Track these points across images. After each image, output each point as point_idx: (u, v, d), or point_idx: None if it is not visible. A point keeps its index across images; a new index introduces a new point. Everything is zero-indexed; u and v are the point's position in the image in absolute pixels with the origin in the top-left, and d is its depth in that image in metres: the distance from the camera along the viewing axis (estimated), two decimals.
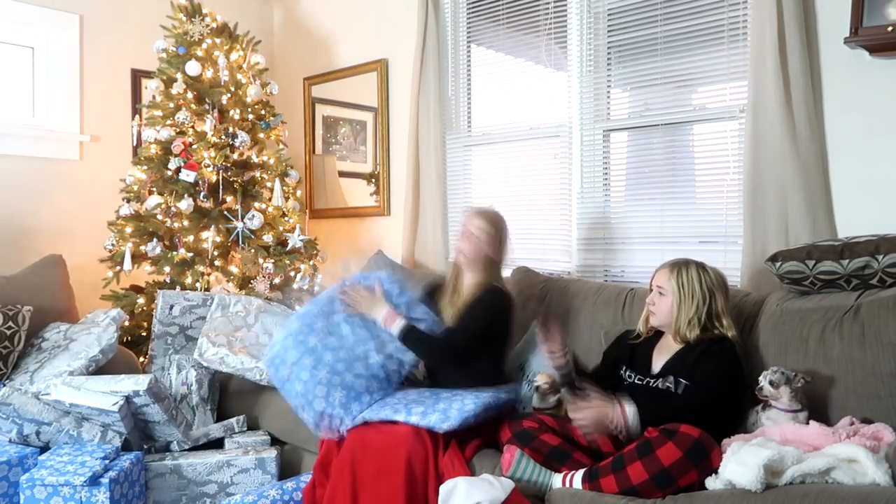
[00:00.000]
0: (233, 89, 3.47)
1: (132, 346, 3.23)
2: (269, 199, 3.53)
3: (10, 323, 2.85)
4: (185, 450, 2.67)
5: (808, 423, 1.95)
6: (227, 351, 2.86)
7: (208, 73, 3.45)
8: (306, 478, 2.43)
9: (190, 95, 3.40)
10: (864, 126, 2.43)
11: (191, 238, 3.32)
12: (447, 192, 3.57)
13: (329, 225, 4.23)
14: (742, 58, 2.67)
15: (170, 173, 3.31)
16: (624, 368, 2.29)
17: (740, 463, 1.71)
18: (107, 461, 2.36)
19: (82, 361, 2.74)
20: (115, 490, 2.29)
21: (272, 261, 3.39)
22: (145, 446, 2.64)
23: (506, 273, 3.20)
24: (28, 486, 2.25)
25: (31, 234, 3.54)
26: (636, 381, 2.22)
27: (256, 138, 3.56)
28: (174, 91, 3.39)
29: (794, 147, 2.47)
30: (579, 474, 1.92)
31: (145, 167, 3.36)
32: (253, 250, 3.36)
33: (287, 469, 2.74)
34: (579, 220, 3.16)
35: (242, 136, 3.42)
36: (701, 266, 2.21)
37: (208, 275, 3.32)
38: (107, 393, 2.45)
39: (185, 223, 3.30)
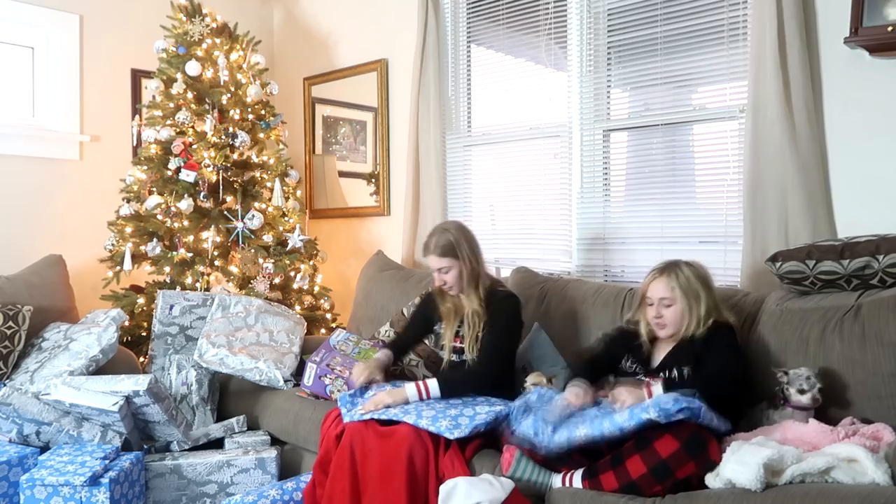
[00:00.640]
0: (233, 89, 3.47)
1: (132, 346, 3.23)
2: (269, 199, 3.53)
3: (10, 323, 2.85)
4: (185, 450, 2.67)
5: (807, 421, 1.96)
6: (226, 352, 2.86)
7: (208, 73, 3.45)
8: (306, 478, 2.43)
9: (190, 95, 3.40)
10: (864, 126, 2.43)
11: (191, 238, 3.32)
12: (447, 192, 3.57)
13: (329, 225, 4.23)
14: (742, 58, 2.67)
15: (170, 173, 3.31)
16: (626, 357, 2.29)
17: (740, 462, 1.71)
18: (107, 461, 2.35)
19: (82, 361, 2.74)
20: (115, 490, 2.29)
21: (272, 261, 3.39)
22: (145, 446, 2.64)
23: (505, 273, 3.23)
24: (28, 486, 2.25)
25: (31, 234, 3.54)
26: (638, 370, 2.23)
27: (256, 138, 3.56)
28: (174, 91, 3.39)
29: (794, 147, 2.47)
30: (579, 473, 1.92)
31: (145, 167, 3.36)
32: (253, 250, 3.37)
33: (287, 469, 2.74)
34: (579, 220, 3.16)
35: (242, 136, 3.42)
36: (686, 263, 2.21)
37: (208, 275, 3.32)
38: (107, 393, 2.45)
39: (185, 223, 3.30)
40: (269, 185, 3.55)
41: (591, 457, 2.03)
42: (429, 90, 3.52)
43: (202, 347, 2.88)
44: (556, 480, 1.96)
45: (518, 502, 1.91)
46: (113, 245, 3.36)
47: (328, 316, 3.70)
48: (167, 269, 3.29)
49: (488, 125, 3.57)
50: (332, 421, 2.40)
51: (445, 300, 2.56)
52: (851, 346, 2.08)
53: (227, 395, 3.03)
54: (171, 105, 3.40)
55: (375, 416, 2.25)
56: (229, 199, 3.41)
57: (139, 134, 3.51)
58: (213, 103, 3.42)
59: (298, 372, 2.94)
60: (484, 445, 2.21)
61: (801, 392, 2.02)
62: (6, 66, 3.55)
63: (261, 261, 3.37)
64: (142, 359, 3.17)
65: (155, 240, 3.30)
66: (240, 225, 3.34)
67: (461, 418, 2.16)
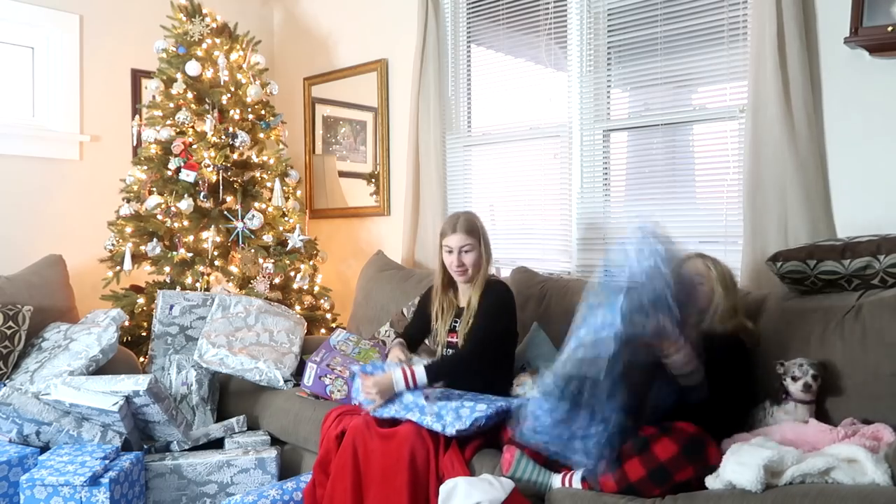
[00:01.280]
0: (233, 89, 3.47)
1: (132, 346, 3.23)
2: (269, 199, 3.53)
3: (10, 323, 2.85)
4: (185, 450, 2.67)
5: (808, 419, 1.96)
6: (226, 352, 2.86)
7: (208, 73, 3.45)
8: (306, 478, 2.43)
9: (190, 95, 3.40)
10: (864, 126, 2.43)
11: (191, 238, 3.32)
12: (447, 192, 3.57)
13: (329, 225, 4.23)
14: (742, 58, 2.67)
15: (170, 173, 3.31)
16: None
17: (740, 463, 1.71)
18: (107, 461, 2.35)
19: (82, 361, 2.74)
20: (115, 490, 2.29)
21: (272, 261, 3.39)
22: (145, 446, 2.64)
23: (505, 273, 3.22)
24: (28, 486, 2.25)
25: (31, 234, 3.54)
26: None
27: (256, 138, 3.56)
28: (174, 91, 3.39)
29: (793, 147, 2.47)
30: (578, 474, 1.92)
31: (145, 167, 3.36)
32: (253, 250, 3.37)
33: (287, 469, 2.74)
34: (579, 220, 3.16)
35: (242, 136, 3.42)
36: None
37: (208, 275, 3.32)
38: (107, 393, 2.45)
39: (185, 223, 3.30)
40: (269, 185, 3.55)
41: None
42: (429, 90, 3.52)
43: (202, 347, 2.88)
44: (556, 480, 1.96)
45: (518, 502, 1.91)
46: (113, 245, 3.36)
47: (328, 316, 3.70)
48: (167, 269, 3.29)
49: (488, 125, 3.57)
50: (333, 421, 2.40)
51: (441, 297, 2.57)
52: (852, 346, 2.08)
53: (227, 395, 3.03)
54: (171, 105, 3.40)
55: (380, 414, 2.25)
56: (229, 199, 3.41)
57: (139, 134, 3.51)
58: (213, 103, 3.42)
59: (298, 372, 2.94)
60: (484, 445, 2.22)
61: (794, 379, 2.02)
62: (6, 66, 3.55)
63: (261, 261, 3.37)
64: (142, 359, 3.17)
65: (155, 240, 3.30)
66: (240, 225, 3.34)
67: (462, 410, 2.16)
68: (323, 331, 3.63)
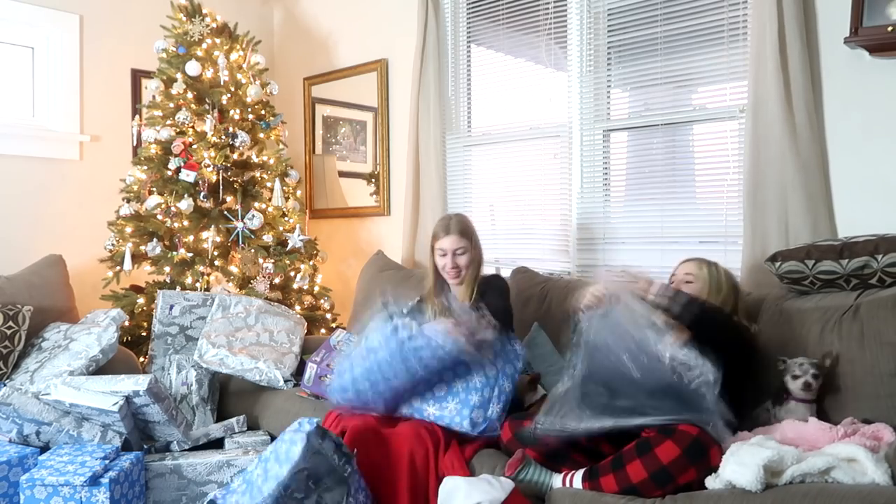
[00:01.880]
0: (233, 89, 3.47)
1: (132, 346, 3.23)
2: (269, 199, 3.53)
3: (10, 323, 2.85)
4: (185, 450, 2.67)
5: (808, 418, 1.96)
6: (226, 352, 2.86)
7: (208, 73, 3.45)
8: None
9: (190, 95, 3.40)
10: (864, 126, 2.43)
11: (191, 238, 3.32)
12: (447, 192, 3.57)
13: (329, 225, 4.23)
14: (742, 58, 2.67)
15: (170, 173, 3.31)
16: None
17: (740, 463, 1.71)
18: (107, 461, 2.35)
19: (82, 361, 2.74)
20: (115, 490, 2.29)
21: (272, 261, 3.39)
22: (145, 446, 2.63)
23: (505, 273, 3.22)
24: (28, 486, 2.25)
25: (31, 234, 3.54)
26: None
27: (256, 138, 3.56)
28: (174, 91, 3.39)
29: (794, 147, 2.47)
30: (579, 474, 1.92)
31: (145, 167, 3.36)
32: (253, 250, 3.37)
33: None
34: (579, 220, 3.16)
35: (242, 136, 3.42)
36: (724, 268, 2.29)
37: (208, 275, 3.32)
38: (107, 393, 2.45)
39: (185, 223, 3.30)
40: (269, 185, 3.55)
41: (593, 457, 2.04)
42: (429, 90, 3.52)
43: (202, 347, 2.88)
44: (557, 481, 1.96)
45: (518, 502, 1.91)
46: (113, 245, 3.36)
47: (328, 316, 3.70)
48: (167, 269, 3.29)
49: (488, 125, 3.57)
50: (333, 421, 2.40)
51: (433, 302, 2.57)
52: (850, 346, 2.08)
53: (227, 395, 3.03)
54: (171, 105, 3.40)
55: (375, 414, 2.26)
56: (229, 199, 3.41)
57: (139, 134, 3.51)
58: (213, 103, 3.42)
59: (298, 372, 2.94)
60: (484, 445, 2.22)
61: (795, 378, 2.03)
62: (6, 66, 3.55)
63: (261, 261, 3.37)
64: (142, 359, 3.18)
65: (155, 240, 3.30)
66: (240, 225, 3.34)
67: (476, 412, 2.20)
68: (323, 331, 3.63)
